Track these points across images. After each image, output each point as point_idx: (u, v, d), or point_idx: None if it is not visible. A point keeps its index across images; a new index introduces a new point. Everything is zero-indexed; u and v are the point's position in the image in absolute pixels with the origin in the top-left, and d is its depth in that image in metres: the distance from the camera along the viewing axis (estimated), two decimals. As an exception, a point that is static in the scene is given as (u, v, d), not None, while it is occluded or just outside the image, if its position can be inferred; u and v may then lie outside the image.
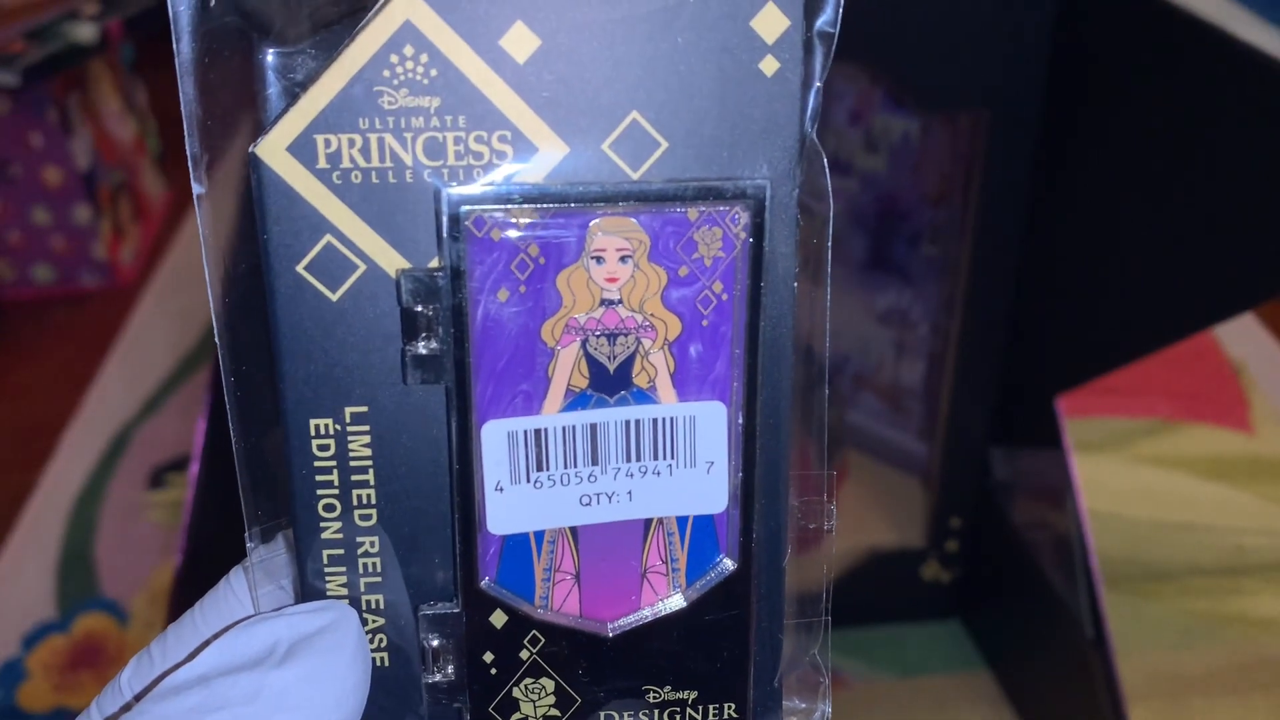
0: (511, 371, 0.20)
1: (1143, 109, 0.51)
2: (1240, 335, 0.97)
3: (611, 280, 0.20)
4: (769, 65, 0.20)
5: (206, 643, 0.20)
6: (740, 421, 0.21)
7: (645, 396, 0.21)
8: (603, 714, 0.23)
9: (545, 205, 0.19)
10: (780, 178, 0.20)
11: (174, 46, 0.19)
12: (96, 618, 0.75)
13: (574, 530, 0.22)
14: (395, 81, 0.19)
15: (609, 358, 0.21)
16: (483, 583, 0.22)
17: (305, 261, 0.19)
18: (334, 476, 0.21)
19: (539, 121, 0.19)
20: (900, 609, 0.71)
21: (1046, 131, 0.55)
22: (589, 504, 0.21)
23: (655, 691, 0.23)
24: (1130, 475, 0.83)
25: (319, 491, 0.21)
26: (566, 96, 0.19)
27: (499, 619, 0.22)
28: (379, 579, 0.21)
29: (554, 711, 0.23)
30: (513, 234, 0.19)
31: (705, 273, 0.20)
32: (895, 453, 0.73)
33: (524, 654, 0.22)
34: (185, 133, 0.19)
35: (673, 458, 0.21)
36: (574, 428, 0.21)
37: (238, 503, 0.22)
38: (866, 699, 0.66)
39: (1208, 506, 0.80)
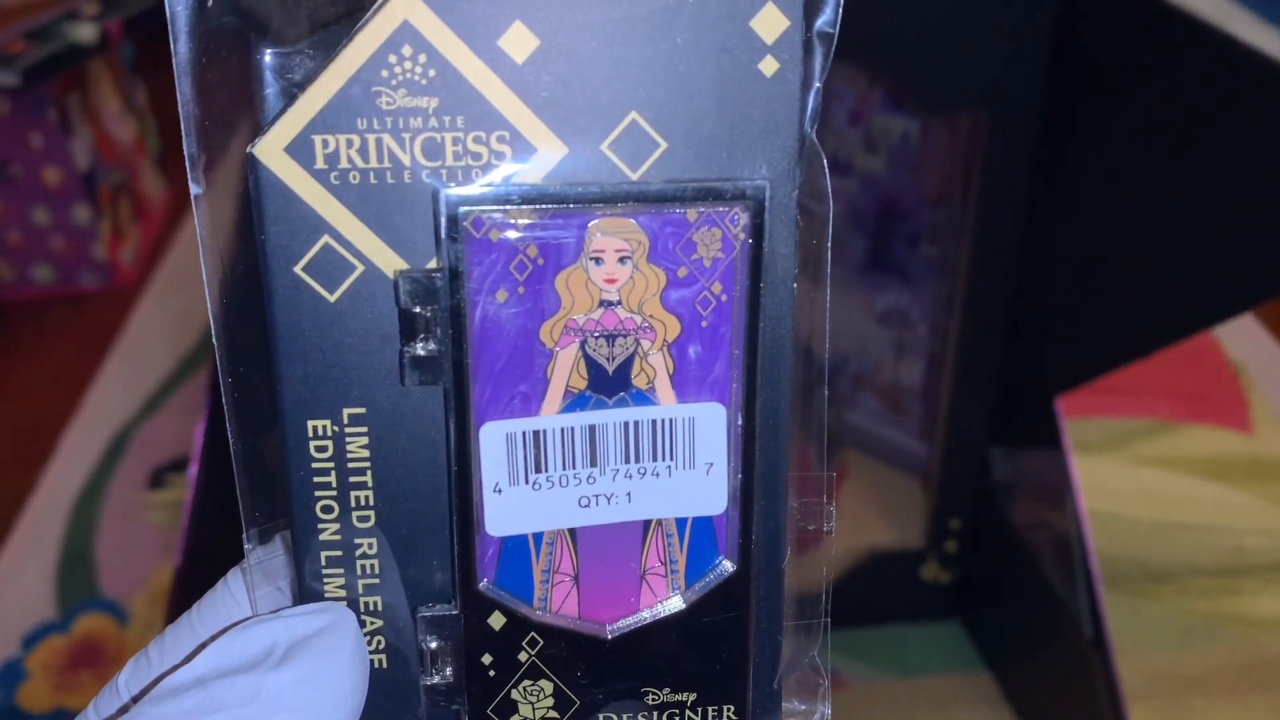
0: (510, 373, 0.20)
1: (1142, 109, 0.51)
2: (1240, 335, 0.97)
3: (610, 281, 0.20)
4: (768, 65, 0.19)
5: (204, 644, 0.20)
6: (739, 423, 0.21)
7: (644, 398, 0.21)
8: (601, 716, 0.23)
9: (544, 206, 0.19)
10: (780, 178, 0.20)
11: (171, 47, 0.19)
12: (96, 618, 0.75)
13: (573, 532, 0.22)
14: (393, 82, 0.19)
15: (608, 359, 0.21)
16: (481, 584, 0.21)
17: (303, 262, 0.19)
18: (332, 478, 0.21)
19: (537, 122, 0.19)
20: (899, 609, 0.71)
21: (1046, 132, 0.55)
22: (588, 505, 0.21)
23: (654, 693, 0.23)
24: (1130, 475, 0.83)
25: (317, 493, 0.21)
26: (565, 97, 0.19)
27: (497, 621, 0.22)
28: (377, 580, 0.21)
29: (552, 713, 0.22)
30: (511, 235, 0.19)
31: (704, 274, 0.20)
32: (895, 453, 0.73)
33: (522, 656, 0.22)
34: (183, 133, 0.19)
35: (672, 459, 0.21)
36: (573, 429, 0.21)
37: (237, 504, 0.22)
38: (866, 699, 0.66)
39: (1207, 507, 0.80)
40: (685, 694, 0.23)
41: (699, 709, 0.23)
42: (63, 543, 0.81)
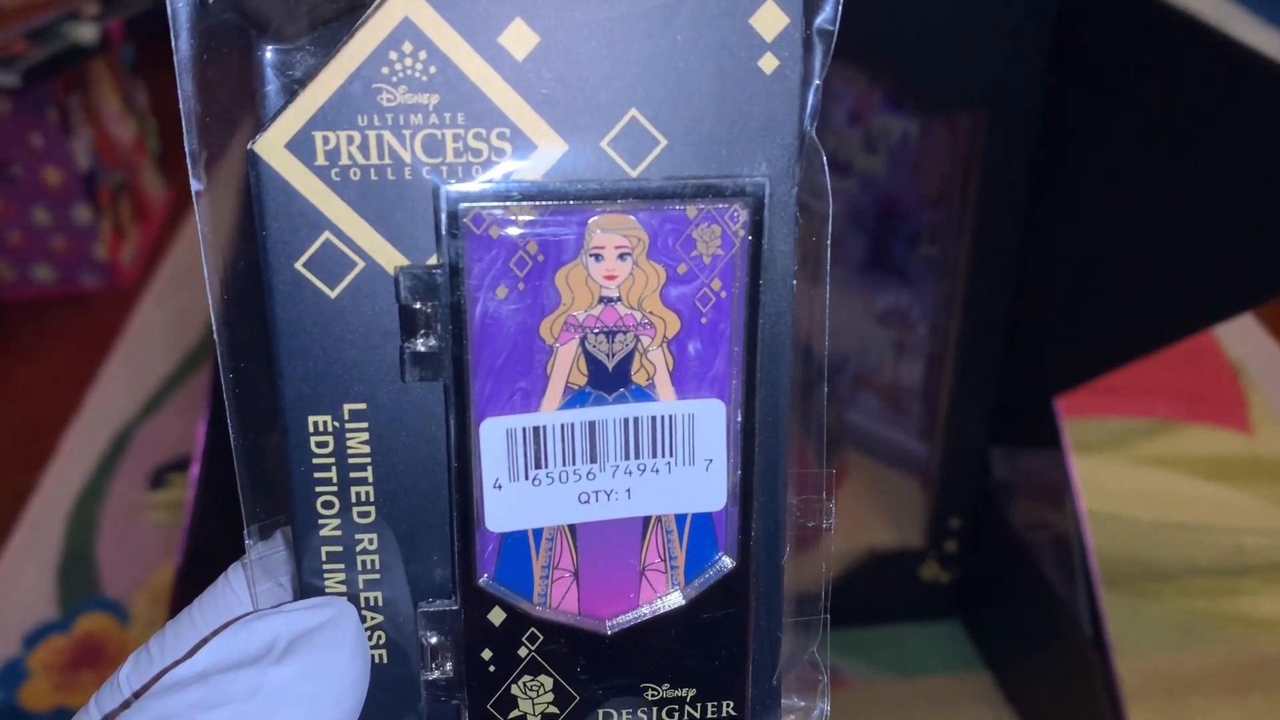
0: (510, 369, 0.20)
1: (1142, 109, 0.51)
2: (1240, 335, 0.97)
3: (610, 278, 0.20)
4: (768, 63, 0.20)
5: (206, 640, 0.20)
6: (739, 419, 0.21)
7: (644, 394, 0.21)
8: (601, 712, 0.23)
9: (544, 203, 0.19)
10: (779, 175, 0.20)
11: (173, 44, 0.19)
12: (97, 617, 0.75)
13: (572, 528, 0.22)
14: (394, 78, 0.19)
15: (608, 355, 0.21)
16: (481, 580, 0.22)
17: (304, 259, 0.19)
18: (332, 474, 0.21)
19: (538, 119, 0.19)
20: (899, 609, 0.71)
21: (1046, 132, 0.55)
22: (587, 502, 0.21)
23: (654, 689, 0.23)
24: (1130, 475, 0.83)
25: (317, 488, 0.21)
26: (565, 94, 0.19)
27: (497, 616, 0.22)
28: (377, 576, 0.21)
29: (552, 709, 0.23)
30: (511, 231, 0.19)
31: (704, 270, 0.20)
32: (894, 453, 0.73)
33: (522, 651, 0.22)
34: (184, 130, 0.19)
35: (671, 455, 0.21)
36: (572, 425, 0.21)
37: (239, 503, 0.22)
38: (865, 699, 0.66)
39: (1207, 506, 0.80)
40: (685, 690, 0.23)
41: (698, 705, 0.23)
42: (64, 542, 0.81)
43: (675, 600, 0.22)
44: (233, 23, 0.19)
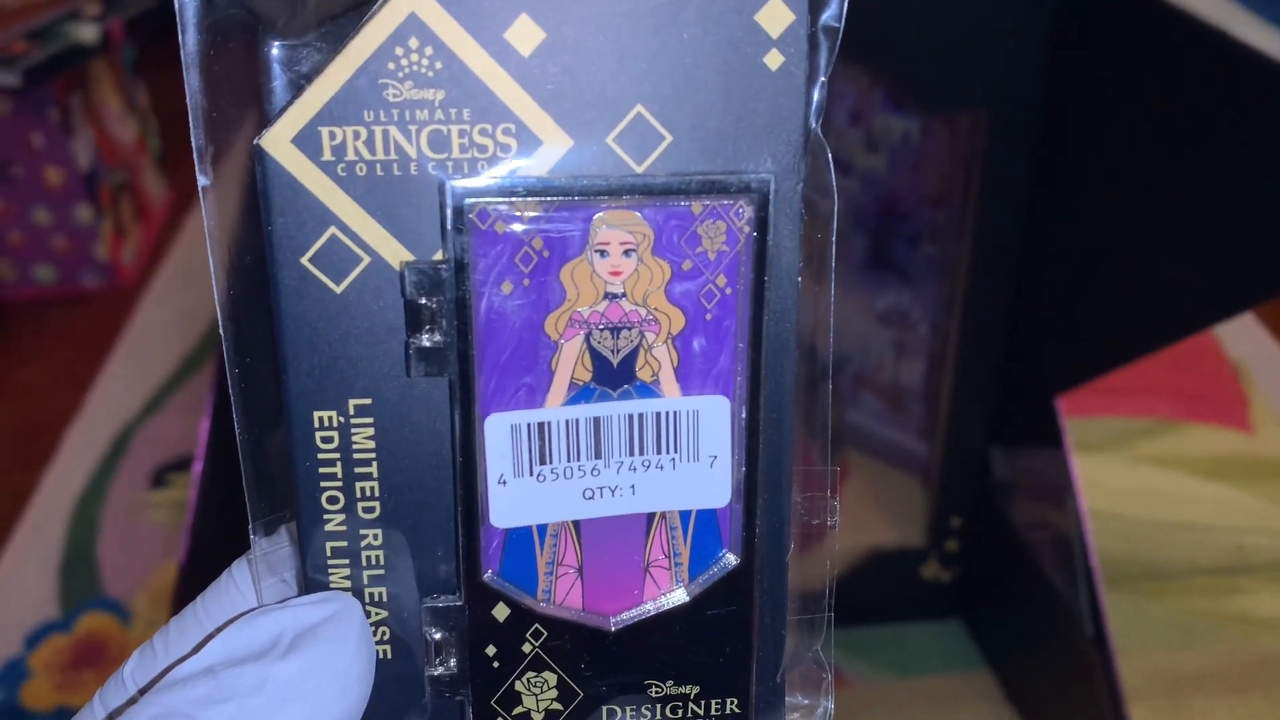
0: (515, 364, 0.20)
1: (1142, 109, 0.51)
2: (1240, 335, 0.97)
3: (615, 274, 0.20)
4: (773, 59, 0.20)
5: (211, 635, 0.20)
6: (743, 416, 0.21)
7: (648, 390, 0.21)
8: (605, 708, 0.23)
9: (549, 198, 0.19)
10: (784, 172, 0.20)
11: (180, 39, 0.19)
12: (98, 617, 0.75)
13: (577, 524, 0.22)
14: (400, 74, 0.19)
15: (612, 351, 0.21)
16: (485, 576, 0.22)
17: (309, 254, 0.19)
18: (337, 469, 0.21)
19: (543, 115, 0.19)
20: (900, 608, 0.71)
21: (1045, 131, 0.55)
22: (592, 498, 0.21)
23: (657, 686, 0.23)
24: (1130, 475, 0.83)
25: (322, 484, 0.21)
26: (571, 90, 0.19)
27: (501, 612, 0.22)
28: (381, 572, 0.21)
29: (556, 705, 0.23)
30: (517, 227, 0.19)
31: (709, 266, 0.20)
32: (895, 452, 0.73)
33: (526, 647, 0.22)
34: (190, 125, 0.19)
35: (676, 452, 0.22)
36: (577, 421, 0.21)
37: (242, 501, 0.22)
38: (867, 698, 0.66)
39: (1208, 506, 0.80)
40: (688, 687, 0.23)
41: (702, 702, 0.23)
42: (65, 542, 0.81)
43: (679, 597, 0.22)
44: (239, 18, 0.19)
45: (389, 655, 0.22)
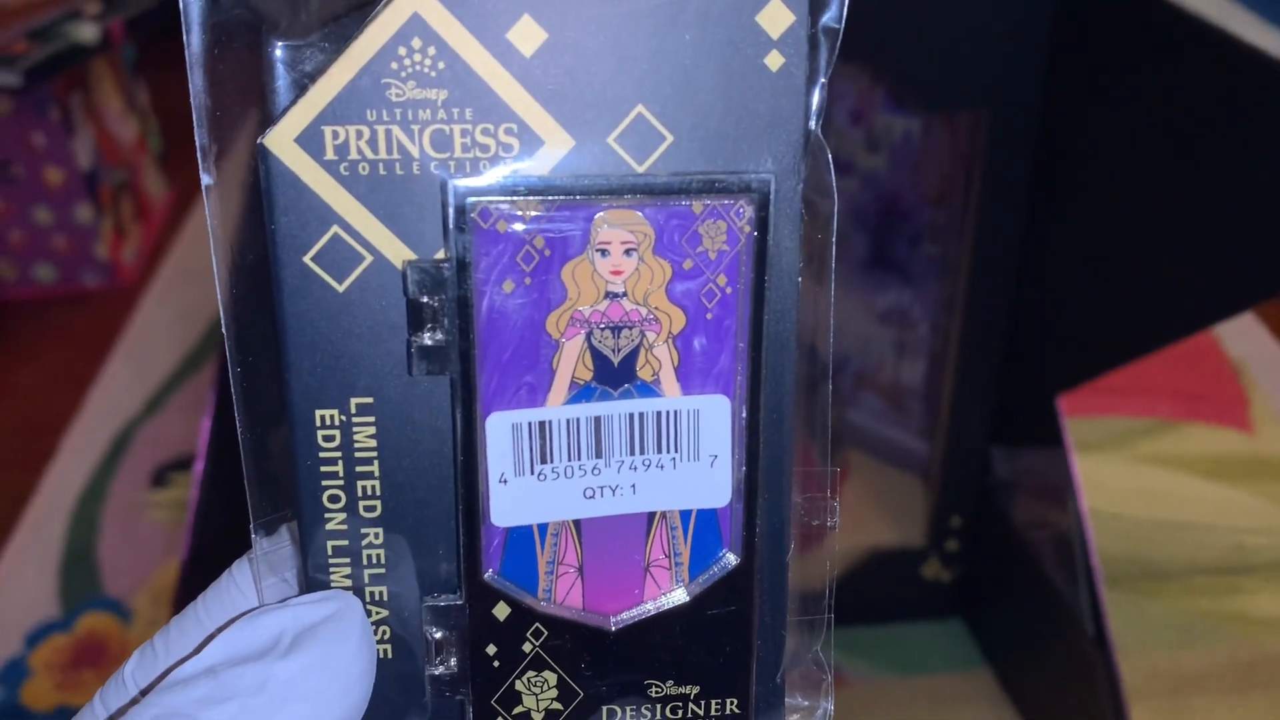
0: (516, 363, 0.20)
1: (1142, 109, 0.52)
2: (1240, 335, 0.97)
3: (616, 273, 0.20)
4: (774, 60, 0.20)
5: (212, 635, 0.20)
6: (744, 415, 0.21)
7: (649, 389, 0.21)
8: (605, 708, 0.23)
9: (551, 198, 0.20)
10: (785, 172, 0.20)
11: (184, 39, 0.19)
12: (99, 616, 0.75)
13: (577, 523, 0.22)
14: (403, 74, 0.19)
15: (613, 350, 0.21)
16: (486, 575, 0.22)
17: (312, 252, 0.20)
18: (339, 468, 0.21)
19: (545, 115, 0.19)
20: (901, 608, 0.71)
21: (1046, 131, 0.55)
22: (592, 497, 0.22)
23: (657, 686, 0.23)
24: (1131, 474, 0.83)
25: (324, 483, 0.21)
26: (572, 90, 0.19)
27: (502, 611, 0.22)
28: (382, 571, 0.21)
29: (556, 705, 0.23)
30: (518, 226, 0.20)
31: (709, 266, 0.20)
32: (896, 452, 0.73)
33: (526, 647, 0.22)
34: (194, 124, 0.19)
35: (676, 451, 0.22)
36: (578, 420, 0.21)
37: (243, 500, 0.22)
38: (867, 698, 0.66)
39: (1208, 506, 0.80)
40: (688, 687, 0.23)
41: (702, 702, 0.23)
42: (65, 541, 0.81)
43: (680, 597, 0.22)
44: (243, 18, 0.19)
45: (389, 654, 0.22)
